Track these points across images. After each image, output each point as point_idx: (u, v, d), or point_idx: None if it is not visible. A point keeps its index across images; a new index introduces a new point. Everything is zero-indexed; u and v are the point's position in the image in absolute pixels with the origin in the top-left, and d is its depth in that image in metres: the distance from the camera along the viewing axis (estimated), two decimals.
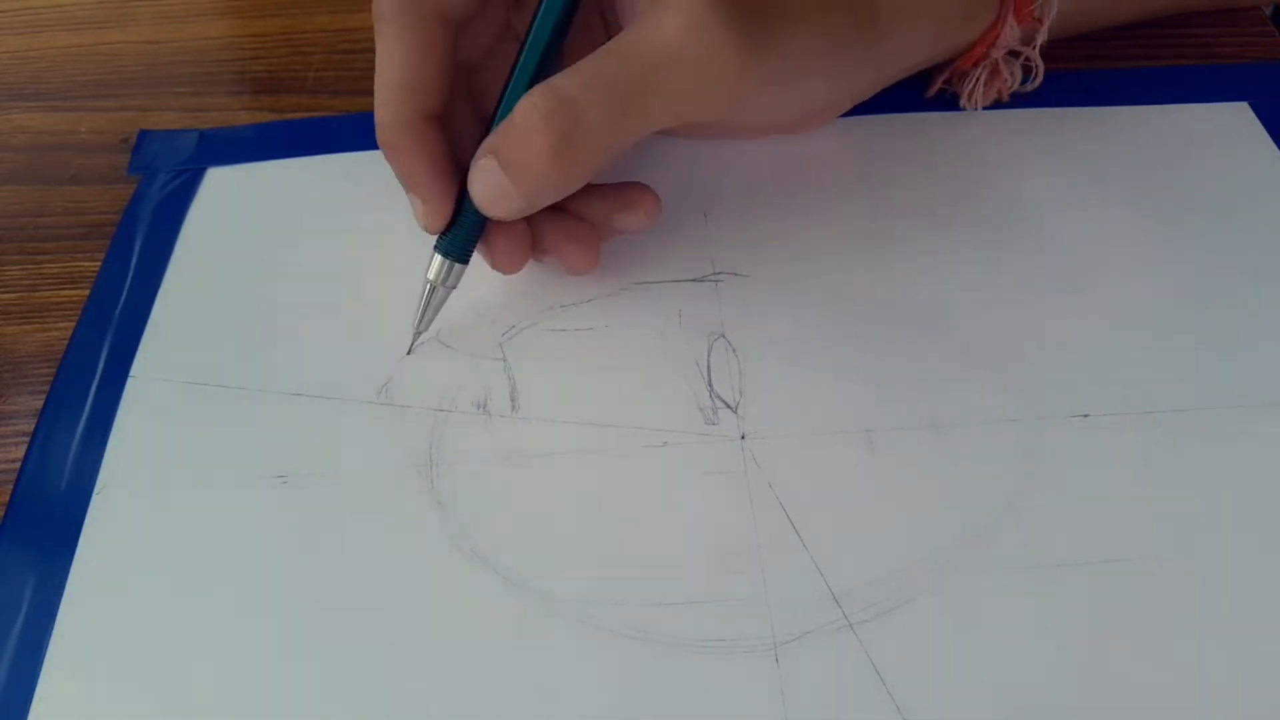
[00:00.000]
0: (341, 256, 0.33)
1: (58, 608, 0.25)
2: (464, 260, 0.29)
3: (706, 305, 0.31)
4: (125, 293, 0.32)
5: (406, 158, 0.28)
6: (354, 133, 0.36)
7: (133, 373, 0.30)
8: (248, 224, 0.34)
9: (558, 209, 0.29)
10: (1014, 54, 0.34)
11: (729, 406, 0.28)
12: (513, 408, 0.29)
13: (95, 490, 0.28)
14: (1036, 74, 0.34)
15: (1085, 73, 0.36)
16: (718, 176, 0.34)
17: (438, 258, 0.29)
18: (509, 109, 0.27)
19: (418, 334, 0.30)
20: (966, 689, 0.23)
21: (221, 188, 0.35)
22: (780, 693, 0.23)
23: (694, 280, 0.31)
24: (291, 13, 0.43)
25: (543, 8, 0.27)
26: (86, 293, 0.32)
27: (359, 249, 0.33)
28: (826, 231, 0.32)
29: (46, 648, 0.25)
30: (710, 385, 0.29)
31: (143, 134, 0.37)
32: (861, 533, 0.26)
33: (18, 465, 0.28)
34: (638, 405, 0.28)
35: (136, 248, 0.33)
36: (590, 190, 0.30)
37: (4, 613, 0.26)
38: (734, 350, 0.30)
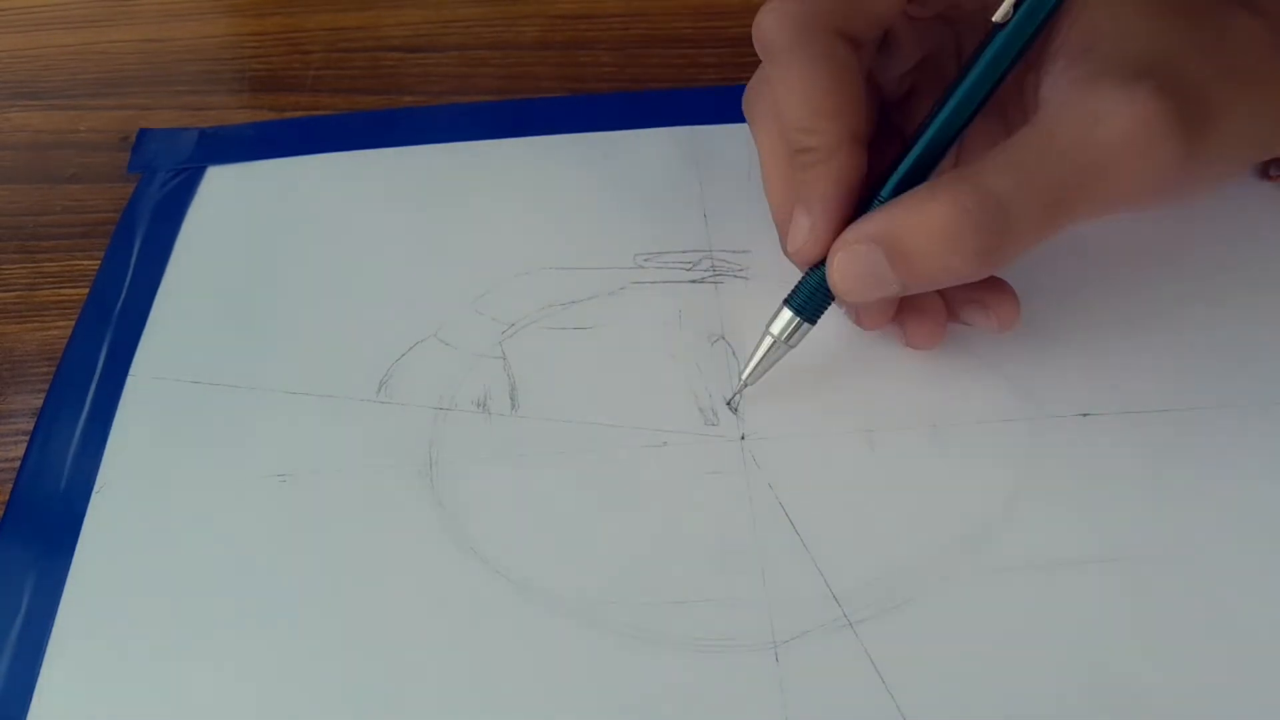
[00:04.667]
0: (341, 255, 0.33)
1: (57, 607, 0.25)
2: (813, 321, 0.27)
3: (706, 305, 0.31)
4: (125, 291, 0.32)
5: (821, 180, 0.25)
6: (354, 132, 0.36)
7: (132, 371, 0.30)
8: (247, 223, 0.34)
9: None
10: None
11: (729, 406, 0.28)
12: (513, 407, 0.29)
13: (95, 489, 0.28)
14: None
15: None
16: (718, 176, 0.34)
17: (786, 313, 0.27)
18: (916, 169, 0.25)
19: (745, 384, 0.28)
20: (966, 688, 0.23)
21: (221, 186, 0.35)
22: (780, 691, 0.23)
23: (694, 280, 0.31)
24: (291, 11, 0.42)
25: (993, 49, 0.24)
26: (86, 291, 0.32)
27: (359, 248, 0.33)
28: None
29: (46, 647, 0.25)
30: (710, 386, 0.29)
31: (142, 132, 0.37)
32: (861, 533, 0.26)
33: (17, 464, 0.28)
34: (638, 405, 0.28)
35: (136, 246, 0.33)
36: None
37: (3, 612, 0.25)
38: (734, 351, 0.30)
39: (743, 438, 0.28)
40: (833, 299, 0.27)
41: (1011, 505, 0.26)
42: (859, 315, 0.28)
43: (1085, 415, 0.28)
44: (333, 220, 0.34)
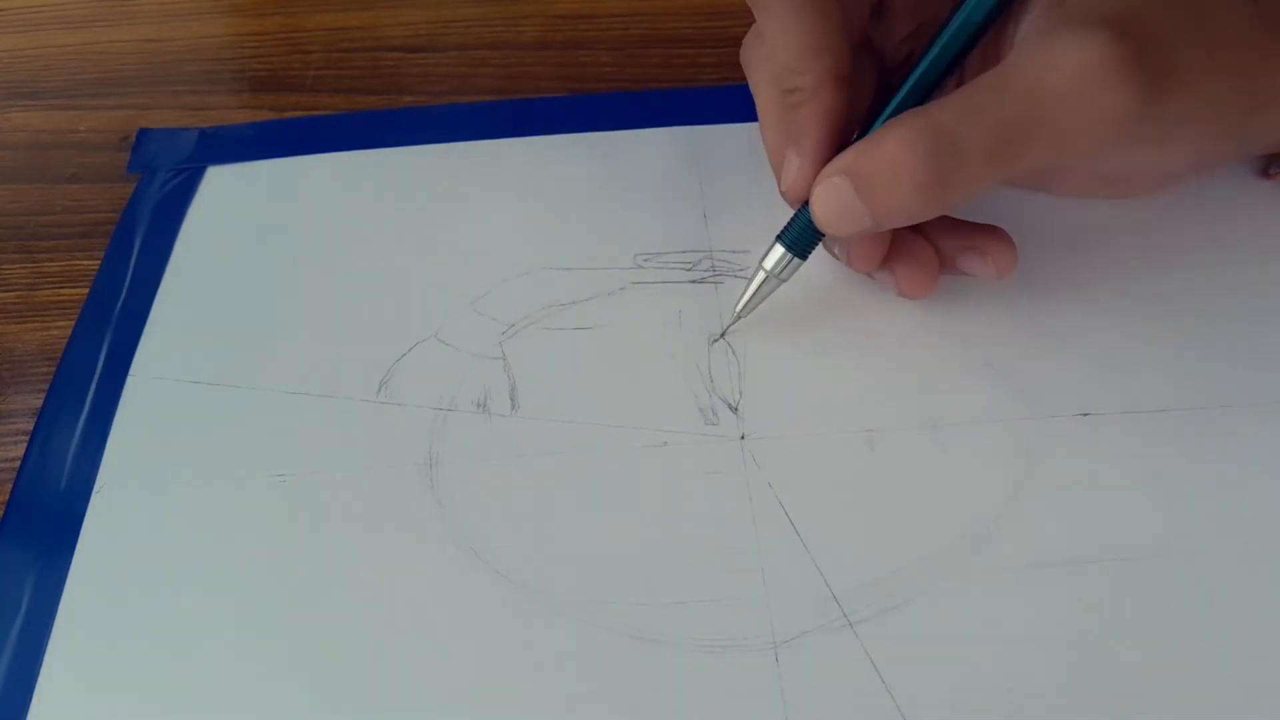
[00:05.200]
0: (341, 255, 0.33)
1: (57, 607, 0.25)
2: (803, 256, 0.28)
3: (706, 305, 0.31)
4: (125, 291, 0.32)
5: (807, 118, 0.27)
6: (354, 132, 0.36)
7: (132, 371, 0.30)
8: (247, 222, 0.34)
9: (908, 230, 0.28)
10: None
11: (729, 406, 0.28)
12: (513, 407, 0.29)
13: (95, 489, 0.28)
14: None
15: None
16: (718, 176, 0.34)
17: (779, 249, 0.28)
18: (897, 114, 0.26)
19: (738, 317, 0.29)
20: (966, 688, 0.23)
21: (221, 186, 0.35)
22: (780, 692, 0.23)
23: (694, 280, 0.31)
24: (291, 11, 0.42)
25: (965, 8, 0.26)
26: (86, 291, 0.32)
27: (359, 248, 0.33)
28: None
29: (46, 647, 0.25)
30: (710, 386, 0.29)
31: (142, 132, 0.37)
32: (861, 533, 0.26)
33: (17, 464, 0.28)
34: (638, 405, 0.28)
35: (136, 246, 0.33)
36: (944, 220, 0.29)
37: (3, 612, 0.25)
38: (734, 351, 0.30)
39: (743, 438, 0.28)
40: (821, 236, 0.28)
41: (1011, 505, 0.26)
42: (849, 256, 0.29)
43: (1085, 415, 0.28)
44: (333, 220, 0.34)
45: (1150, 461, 0.27)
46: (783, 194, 0.28)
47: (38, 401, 0.30)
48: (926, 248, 0.29)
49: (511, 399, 0.29)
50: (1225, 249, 0.31)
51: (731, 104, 0.36)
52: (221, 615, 0.25)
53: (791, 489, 0.27)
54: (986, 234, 0.29)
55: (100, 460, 0.28)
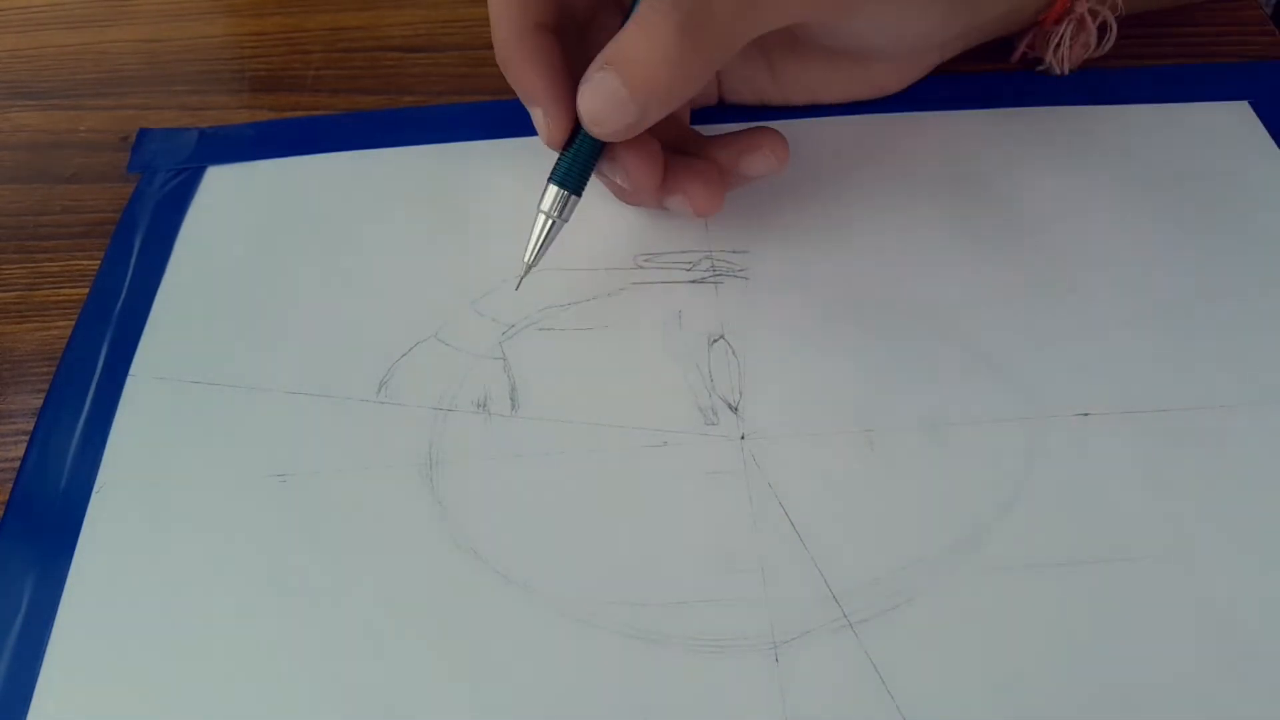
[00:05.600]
0: (341, 255, 0.33)
1: (57, 607, 0.25)
2: (578, 191, 0.29)
3: (706, 305, 0.31)
4: (125, 291, 0.32)
5: (519, 69, 0.28)
6: (354, 132, 0.36)
7: (132, 371, 0.30)
8: (247, 223, 0.34)
9: (684, 153, 0.30)
10: (1093, 13, 0.34)
11: (729, 406, 0.28)
12: (513, 407, 0.29)
13: (95, 489, 0.28)
14: (1110, 34, 0.34)
15: (1085, 72, 0.36)
16: None
17: (551, 188, 0.29)
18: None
19: (529, 268, 0.29)
20: (966, 688, 0.23)
21: (221, 186, 0.35)
22: (780, 692, 0.23)
23: (694, 280, 0.31)
24: (291, 11, 0.42)
25: None
26: (86, 291, 0.32)
27: (358, 247, 0.33)
28: (826, 233, 0.32)
29: (46, 647, 0.25)
30: (710, 385, 0.29)
31: (142, 132, 0.37)
32: (861, 532, 0.26)
33: (17, 464, 0.28)
34: (638, 405, 0.28)
35: (136, 246, 0.33)
36: (715, 138, 0.30)
37: (3, 612, 0.26)
38: (734, 350, 0.30)
39: (743, 438, 0.28)
40: (591, 168, 0.29)
41: (1011, 505, 0.26)
42: (629, 179, 0.29)
43: (1085, 415, 0.28)
44: (333, 220, 0.34)
45: (1150, 461, 0.27)
46: (549, 146, 0.29)
47: (38, 401, 0.30)
48: (707, 165, 0.30)
49: (512, 399, 0.29)
50: (1226, 249, 0.31)
51: (731, 103, 0.36)
52: (221, 615, 0.25)
53: (791, 489, 0.27)
54: (755, 132, 0.30)
55: (100, 460, 0.28)
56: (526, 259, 0.29)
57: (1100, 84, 0.36)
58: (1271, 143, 0.34)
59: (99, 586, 0.26)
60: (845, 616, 0.25)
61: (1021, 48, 0.35)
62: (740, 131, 0.30)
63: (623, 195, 0.30)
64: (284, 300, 0.32)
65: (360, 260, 0.33)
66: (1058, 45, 0.34)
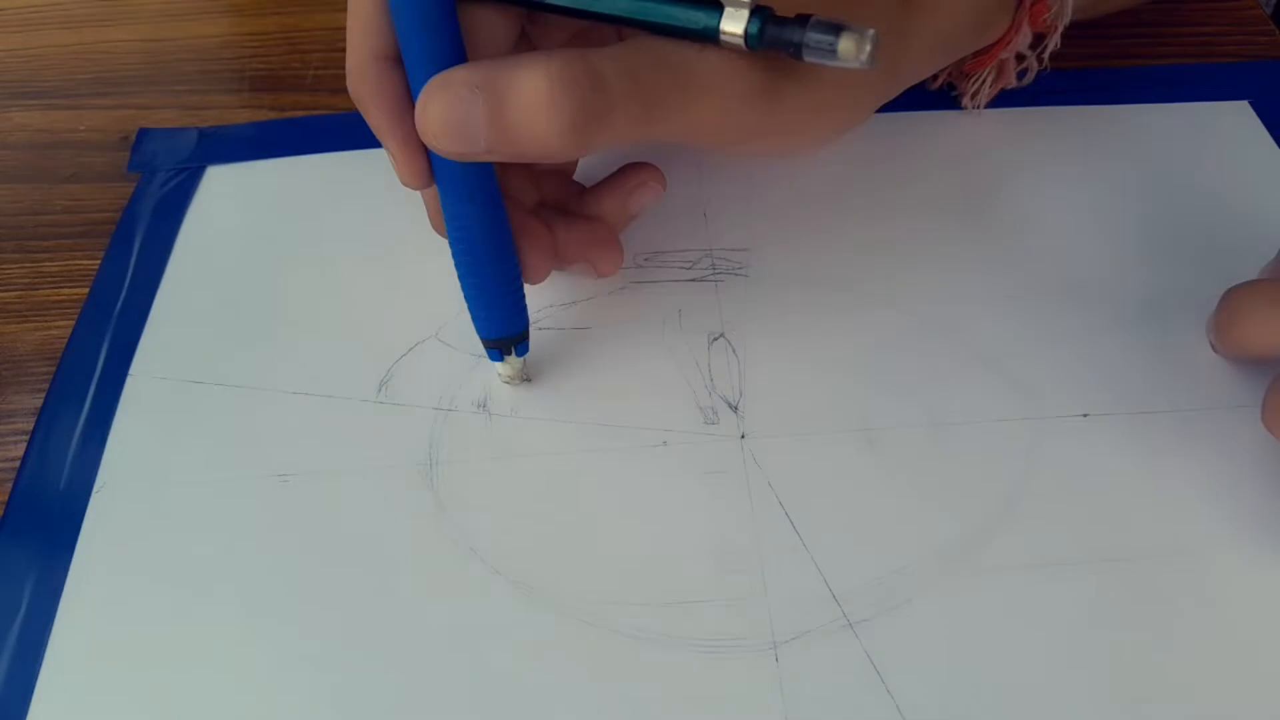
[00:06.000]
0: (341, 255, 0.33)
1: (57, 607, 0.25)
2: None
3: (706, 305, 0.31)
4: (125, 291, 0.32)
5: (365, 103, 0.26)
6: (353, 131, 0.36)
7: (132, 371, 0.30)
8: (247, 222, 0.34)
9: (569, 215, 0.29)
10: (1018, 58, 0.34)
11: (729, 405, 0.28)
12: (512, 407, 0.29)
13: (94, 489, 0.28)
14: (1030, 74, 0.34)
15: (1085, 72, 0.36)
16: (718, 176, 0.34)
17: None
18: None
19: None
20: (966, 688, 0.23)
21: (221, 186, 0.35)
22: (780, 692, 0.23)
23: (694, 280, 0.31)
24: (291, 11, 0.42)
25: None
26: (86, 291, 0.32)
27: (358, 247, 0.33)
28: (827, 231, 0.32)
29: (46, 647, 0.25)
30: (710, 385, 0.29)
31: (142, 132, 0.37)
32: (861, 532, 0.26)
33: (17, 464, 0.28)
34: (638, 405, 0.28)
35: (136, 246, 0.33)
36: (596, 189, 0.30)
37: (3, 612, 0.25)
38: (734, 350, 0.30)
39: (743, 437, 0.28)
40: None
41: (1011, 505, 0.26)
42: (431, 217, 0.28)
43: (1085, 415, 0.28)
44: (333, 220, 0.34)
45: (1150, 461, 0.27)
46: (406, 185, 0.27)
47: (38, 401, 0.30)
48: (598, 226, 0.29)
49: (511, 399, 0.29)
50: (1226, 249, 0.31)
51: None
52: (221, 615, 0.25)
53: (791, 489, 0.27)
54: (629, 174, 0.30)
55: (100, 460, 0.28)
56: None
57: (1100, 84, 0.36)
58: (1272, 142, 0.34)
59: (99, 586, 0.26)
60: (845, 616, 0.25)
61: (943, 78, 0.35)
62: (616, 175, 0.30)
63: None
64: (284, 300, 0.32)
65: (360, 260, 0.33)
66: (976, 90, 0.34)
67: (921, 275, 0.31)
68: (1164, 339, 0.29)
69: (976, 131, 0.35)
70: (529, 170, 0.29)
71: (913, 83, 0.31)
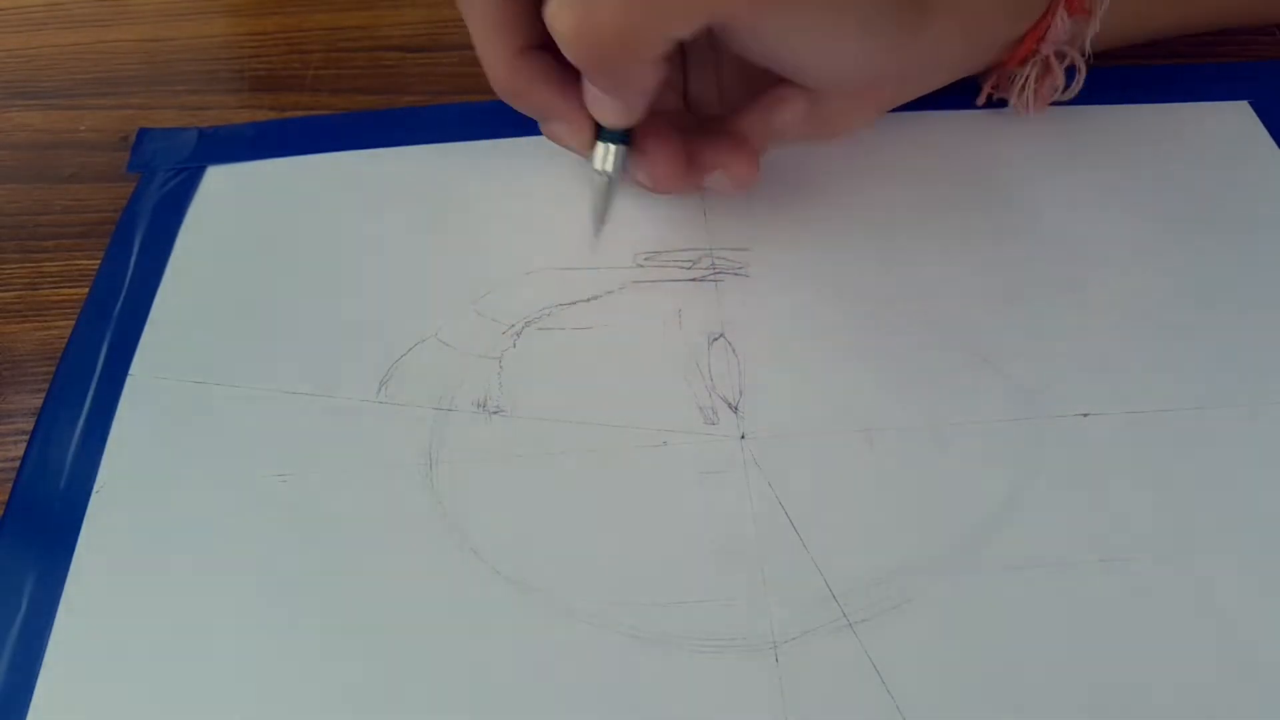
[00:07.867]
0: (341, 255, 0.33)
1: (57, 606, 0.25)
2: (626, 141, 0.29)
3: (706, 305, 0.31)
4: (125, 291, 0.32)
5: (524, 92, 0.29)
6: (353, 132, 0.36)
7: (132, 371, 0.30)
8: (247, 222, 0.34)
9: (711, 130, 0.30)
10: (1059, 55, 0.33)
11: (729, 406, 0.28)
12: (513, 407, 0.29)
13: (94, 489, 0.28)
14: (1079, 77, 0.33)
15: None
16: None
17: (600, 146, 0.29)
18: None
19: (600, 226, 0.30)
20: (966, 689, 0.23)
21: (221, 186, 0.35)
22: (780, 692, 0.23)
23: (694, 280, 0.31)
24: (291, 11, 0.42)
25: None
26: (86, 291, 0.32)
27: (358, 247, 0.33)
28: (827, 231, 0.32)
29: (46, 647, 0.25)
30: (710, 385, 0.29)
31: (142, 132, 0.37)
32: (861, 532, 0.26)
33: (17, 464, 0.28)
34: (637, 405, 0.28)
35: (136, 246, 0.33)
36: (740, 110, 0.31)
37: (3, 612, 0.25)
38: (734, 350, 0.30)
39: (743, 437, 0.28)
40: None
41: (1011, 505, 0.26)
42: (652, 169, 0.29)
43: (1085, 415, 0.28)
44: (333, 220, 0.34)
45: (1150, 461, 0.27)
46: (581, 152, 0.30)
47: (38, 401, 0.30)
48: (736, 136, 0.30)
49: (511, 399, 0.29)
50: (1226, 249, 0.31)
51: None
52: (221, 615, 0.25)
53: (791, 489, 0.27)
54: (771, 92, 0.30)
55: (100, 460, 0.28)
56: (598, 221, 0.30)
57: (1100, 84, 0.36)
58: (1272, 143, 0.34)
59: (99, 586, 0.26)
60: (845, 616, 0.25)
61: (987, 89, 0.34)
62: (759, 96, 0.30)
63: (655, 184, 0.30)
64: (284, 300, 0.32)
65: (360, 260, 0.33)
66: (1022, 88, 0.34)
67: (922, 275, 0.31)
68: (1164, 339, 0.29)
69: (976, 132, 0.35)
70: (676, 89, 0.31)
71: (943, 65, 0.32)
